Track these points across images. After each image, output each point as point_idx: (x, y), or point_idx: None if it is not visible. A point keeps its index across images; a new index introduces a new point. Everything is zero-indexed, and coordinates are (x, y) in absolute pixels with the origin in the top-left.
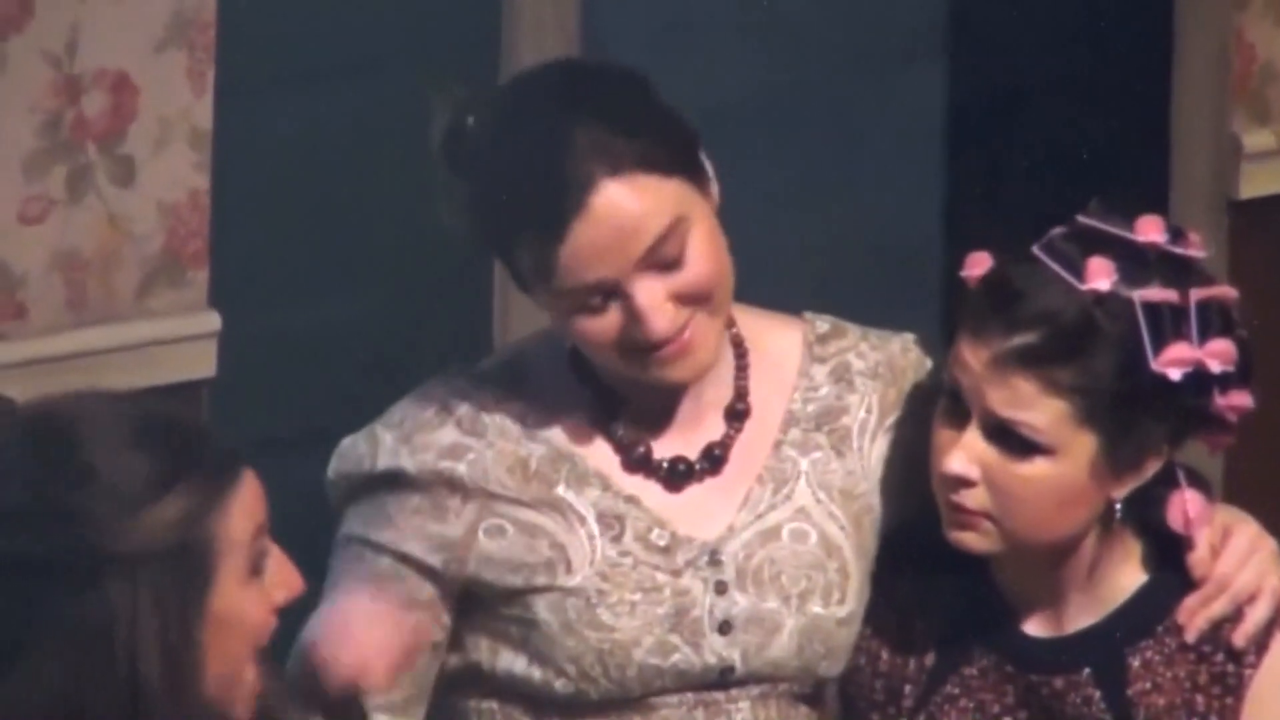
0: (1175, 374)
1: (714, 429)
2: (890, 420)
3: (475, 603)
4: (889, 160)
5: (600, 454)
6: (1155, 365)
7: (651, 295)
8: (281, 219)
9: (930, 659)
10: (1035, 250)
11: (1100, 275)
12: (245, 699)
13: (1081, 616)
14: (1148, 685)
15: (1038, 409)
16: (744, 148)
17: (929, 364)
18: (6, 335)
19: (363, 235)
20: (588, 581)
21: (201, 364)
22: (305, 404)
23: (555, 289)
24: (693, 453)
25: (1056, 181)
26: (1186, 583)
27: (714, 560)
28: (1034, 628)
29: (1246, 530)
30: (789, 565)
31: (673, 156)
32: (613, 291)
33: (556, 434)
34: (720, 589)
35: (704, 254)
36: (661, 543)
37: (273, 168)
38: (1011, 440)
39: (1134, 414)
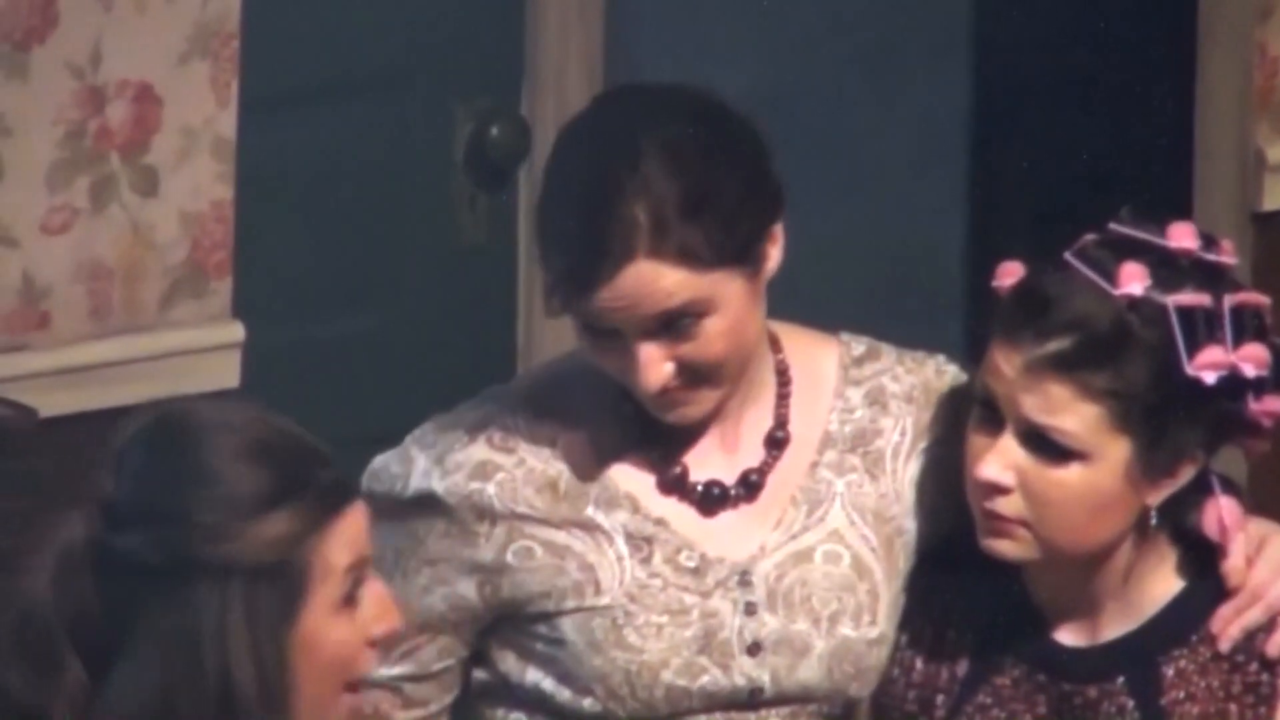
0: (1210, 378)
1: (752, 455)
2: (924, 444)
3: (504, 620)
4: (910, 166)
5: (632, 475)
6: (1190, 369)
7: (649, 355)
8: (305, 230)
9: (963, 668)
10: (1067, 257)
11: (1133, 280)
12: None
13: (1116, 625)
14: (1181, 695)
15: (1072, 414)
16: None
17: (963, 385)
18: (30, 345)
19: (386, 246)
20: (616, 602)
21: (225, 374)
22: (329, 414)
23: (575, 312)
24: (729, 477)
25: (1079, 195)
26: (1220, 592)
27: (744, 581)
28: (1068, 637)
29: None
30: (820, 587)
31: (725, 249)
32: (622, 335)
33: (589, 453)
34: (750, 610)
35: (719, 336)
36: (691, 564)
37: (296, 178)
38: (1046, 446)
39: (1168, 418)
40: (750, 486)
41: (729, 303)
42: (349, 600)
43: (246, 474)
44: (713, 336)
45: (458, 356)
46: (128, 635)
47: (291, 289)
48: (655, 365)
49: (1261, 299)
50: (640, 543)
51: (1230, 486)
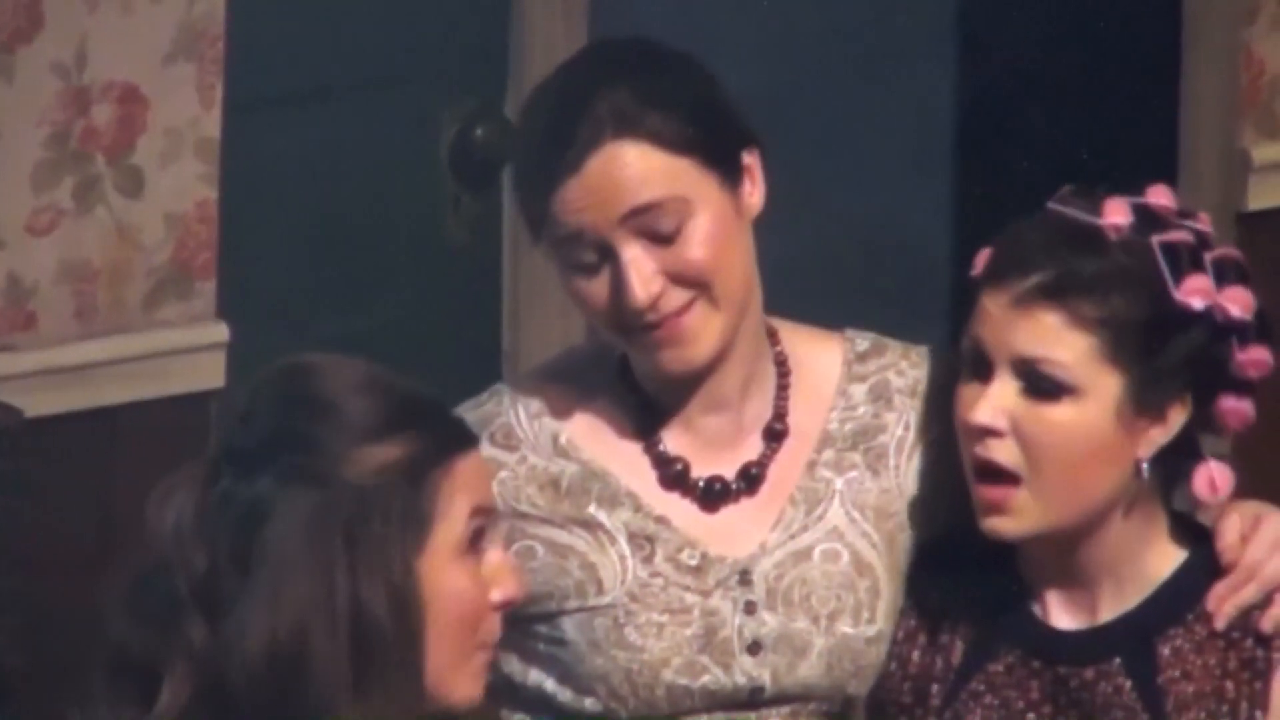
0: (1197, 303)
1: (752, 448)
2: (928, 438)
3: (507, 620)
4: (895, 163)
5: (634, 471)
6: (1177, 295)
7: (636, 259)
8: (290, 231)
9: (958, 658)
10: (1048, 205)
11: (1117, 213)
12: (464, 691)
13: (1112, 605)
14: (1177, 673)
15: (1064, 345)
16: None
17: None
18: (15, 346)
19: (371, 248)
20: (617, 601)
21: (210, 375)
22: None
23: (551, 236)
24: (730, 472)
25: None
26: (1216, 570)
27: (744, 580)
28: (1064, 620)
29: (1276, 519)
30: (820, 586)
31: (694, 139)
32: (604, 249)
33: (591, 450)
34: (749, 609)
35: (702, 239)
36: (692, 562)
37: (281, 180)
38: (1038, 385)
39: (1157, 350)
40: (751, 480)
41: (708, 205)
42: (473, 549)
43: (365, 403)
44: (695, 241)
45: (443, 357)
46: (255, 578)
47: (276, 290)
48: (643, 271)
49: (1239, 254)
50: (643, 541)
51: (1221, 459)
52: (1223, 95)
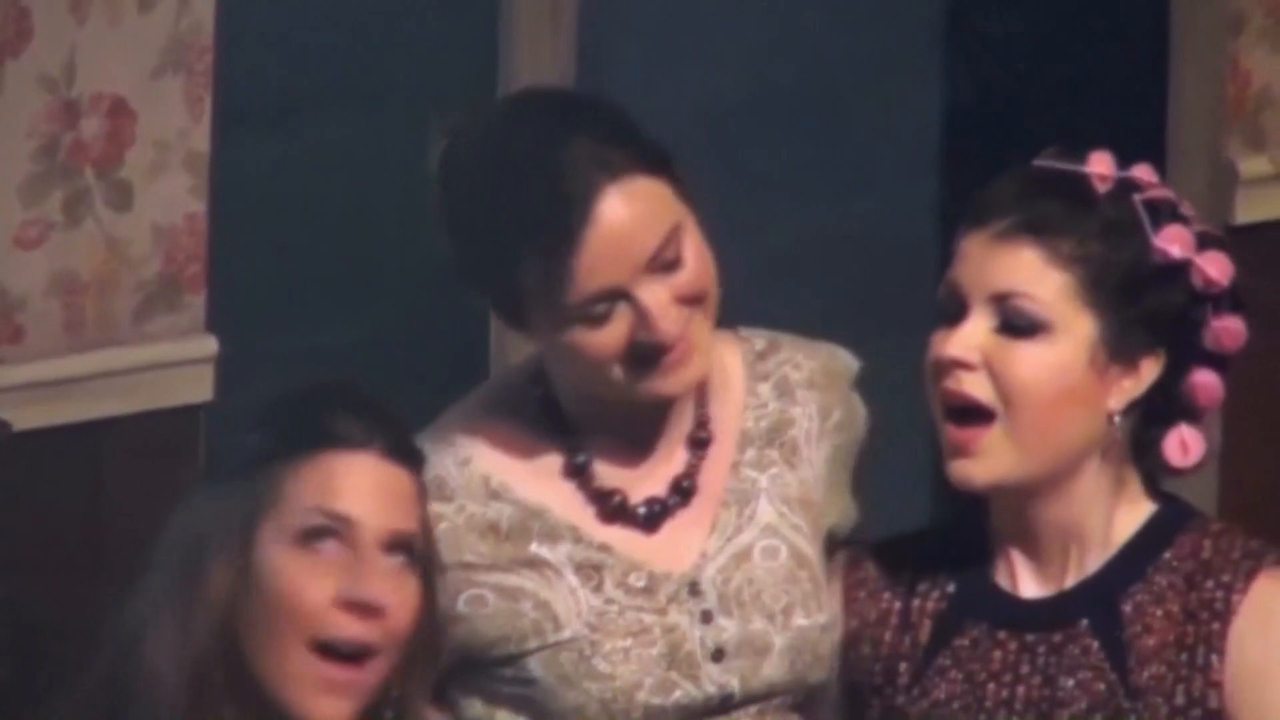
0: (1176, 251)
1: (678, 460)
2: (830, 423)
3: (463, 665)
4: (884, 167)
5: (570, 505)
6: (1155, 240)
7: (657, 298)
8: (278, 243)
9: (925, 636)
10: (1034, 161)
11: (1102, 164)
12: (297, 694)
13: (1077, 569)
14: (1139, 628)
15: (1041, 281)
16: (739, 153)
17: (855, 367)
18: (4, 358)
19: (360, 260)
20: (578, 634)
21: (198, 388)
22: None
23: (563, 303)
24: (663, 489)
25: None
26: (1178, 524)
27: (694, 591)
28: (1030, 589)
29: None
30: (766, 583)
31: (661, 161)
32: (619, 297)
33: (523, 489)
34: (706, 618)
35: (698, 255)
36: (640, 584)
37: (270, 192)
38: (1013, 321)
39: (1133, 295)
40: (684, 492)
41: (688, 218)
42: (303, 541)
43: (257, 404)
44: (695, 256)
45: (432, 368)
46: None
47: (265, 302)
48: (666, 308)
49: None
50: (590, 571)
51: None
52: (1209, 108)
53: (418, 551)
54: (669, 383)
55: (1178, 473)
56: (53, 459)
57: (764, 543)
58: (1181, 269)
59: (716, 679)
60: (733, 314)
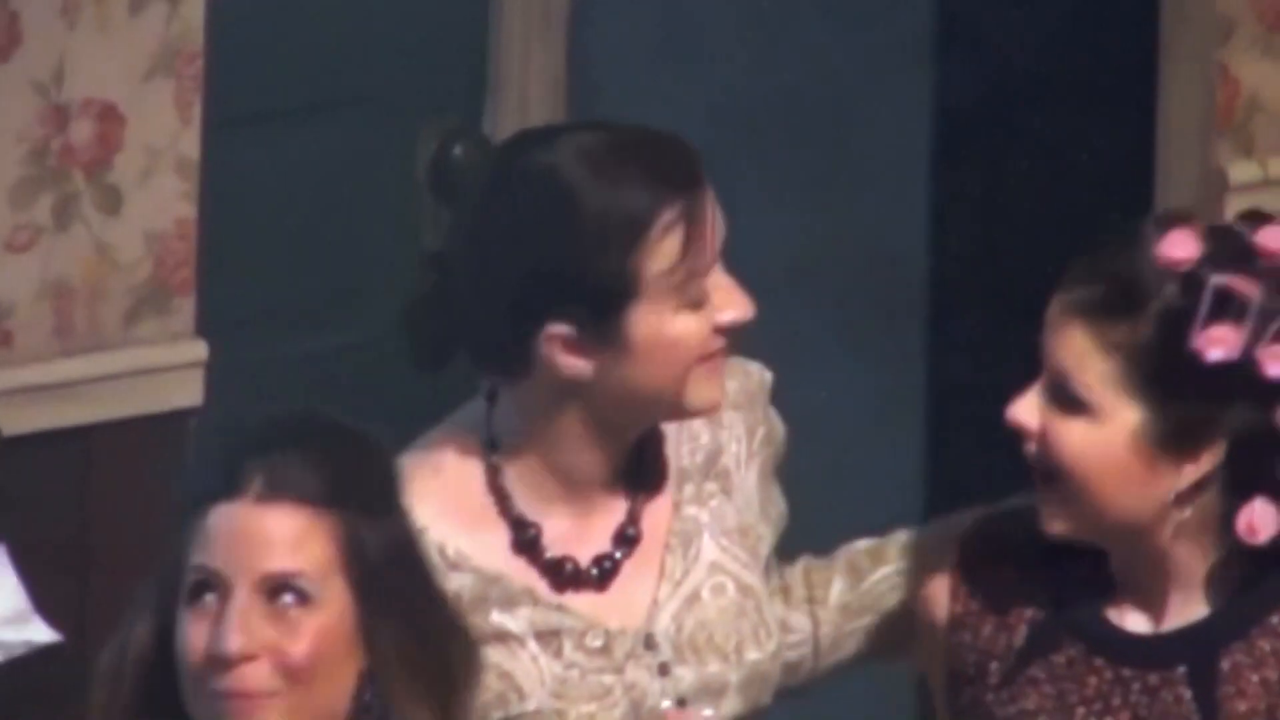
0: (1213, 354)
1: (619, 509)
2: (756, 442)
3: None
4: (877, 168)
5: (524, 570)
6: (1194, 340)
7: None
8: (268, 248)
9: (1021, 640)
10: (1147, 221)
11: (1178, 246)
12: None
13: (1179, 614)
14: (1233, 689)
15: (1088, 365)
16: (731, 154)
17: (768, 379)
18: None
19: (350, 265)
20: (543, 704)
21: (188, 393)
22: None
23: (696, 271)
24: (608, 542)
25: (1042, 199)
26: None
27: (650, 644)
28: (1132, 623)
29: None
30: (718, 624)
31: None
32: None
33: (479, 556)
34: (663, 670)
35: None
36: (598, 644)
37: (260, 197)
38: (1064, 396)
39: (1174, 391)
40: (629, 541)
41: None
42: (192, 600)
43: None
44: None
45: (420, 374)
46: None
47: (255, 307)
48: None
49: None
50: (549, 637)
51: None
52: (1199, 114)
53: (308, 589)
54: (718, 390)
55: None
56: (42, 463)
57: (711, 581)
58: (1241, 367)
59: None
60: None
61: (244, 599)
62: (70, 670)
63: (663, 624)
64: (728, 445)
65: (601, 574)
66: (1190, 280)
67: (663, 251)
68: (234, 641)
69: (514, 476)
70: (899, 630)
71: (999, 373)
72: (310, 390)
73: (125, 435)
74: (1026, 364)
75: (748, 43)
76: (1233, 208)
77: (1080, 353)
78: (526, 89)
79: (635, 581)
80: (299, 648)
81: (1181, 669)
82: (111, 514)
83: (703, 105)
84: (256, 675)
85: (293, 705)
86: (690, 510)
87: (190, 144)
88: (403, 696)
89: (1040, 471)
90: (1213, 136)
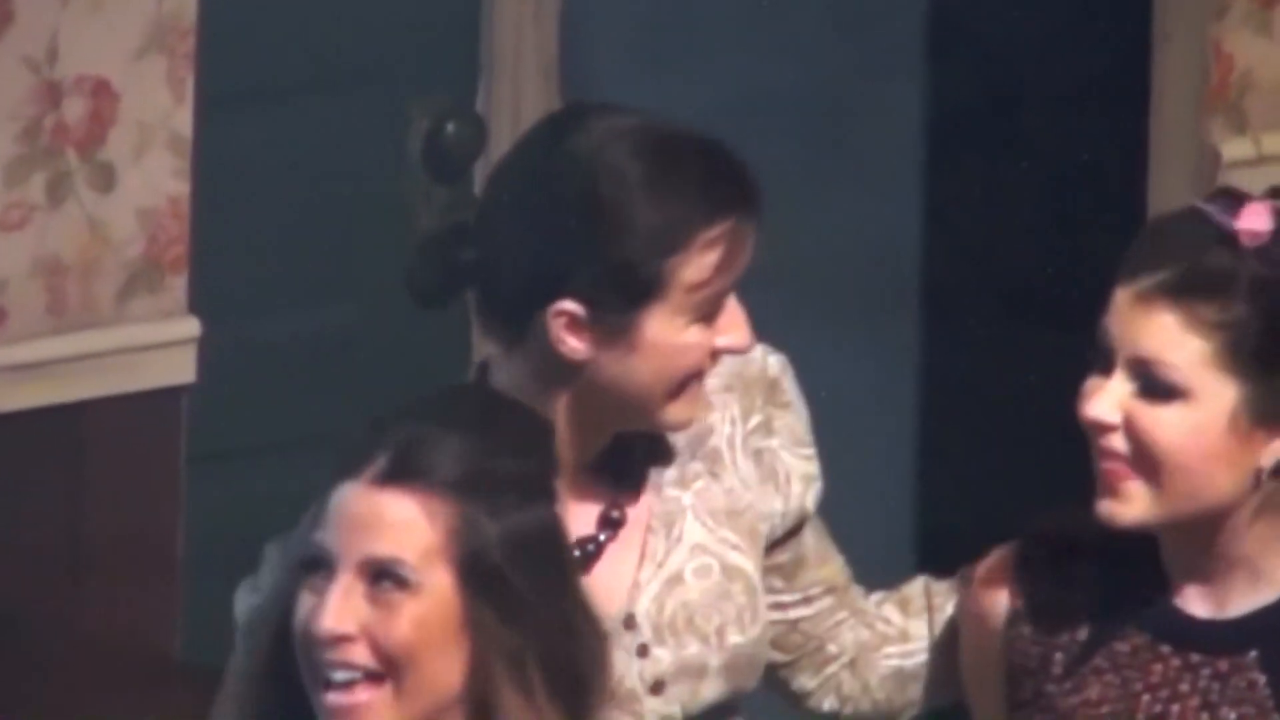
0: None
1: (603, 495)
2: (751, 425)
3: None
4: (869, 169)
5: None
6: None
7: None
8: (261, 225)
9: (1083, 631)
10: (1196, 202)
11: (1254, 218)
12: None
13: (1245, 599)
14: None
15: (1179, 347)
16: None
17: (773, 366)
18: None
19: (343, 242)
20: None
21: (181, 370)
22: (285, 411)
23: (719, 288)
24: (593, 526)
25: (1035, 192)
26: None
27: (630, 625)
28: (1197, 607)
29: None
30: (699, 605)
31: None
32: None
33: None
34: (642, 652)
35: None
36: None
37: (253, 174)
38: (1152, 383)
39: (1275, 362)
40: (614, 524)
41: None
42: (304, 573)
43: None
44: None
45: (413, 352)
46: None
47: (248, 284)
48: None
49: None
50: None
51: None
52: (1192, 93)
53: (407, 576)
54: (695, 409)
55: None
56: (34, 441)
57: (695, 563)
58: None
59: (658, 709)
60: None
61: (347, 580)
62: (66, 639)
63: (644, 605)
64: (719, 426)
65: (584, 556)
66: (1268, 252)
67: (700, 264)
68: (329, 619)
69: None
70: None
71: (994, 370)
72: (302, 368)
73: (118, 412)
74: (1022, 361)
75: (741, 41)
76: (1226, 184)
77: (1170, 337)
78: (519, 68)
79: (618, 564)
80: (395, 632)
81: (1253, 653)
82: (104, 491)
83: (694, 90)
84: (354, 655)
85: (397, 690)
86: (672, 492)
87: (183, 121)
88: (506, 695)
89: (1117, 463)
90: (1206, 114)
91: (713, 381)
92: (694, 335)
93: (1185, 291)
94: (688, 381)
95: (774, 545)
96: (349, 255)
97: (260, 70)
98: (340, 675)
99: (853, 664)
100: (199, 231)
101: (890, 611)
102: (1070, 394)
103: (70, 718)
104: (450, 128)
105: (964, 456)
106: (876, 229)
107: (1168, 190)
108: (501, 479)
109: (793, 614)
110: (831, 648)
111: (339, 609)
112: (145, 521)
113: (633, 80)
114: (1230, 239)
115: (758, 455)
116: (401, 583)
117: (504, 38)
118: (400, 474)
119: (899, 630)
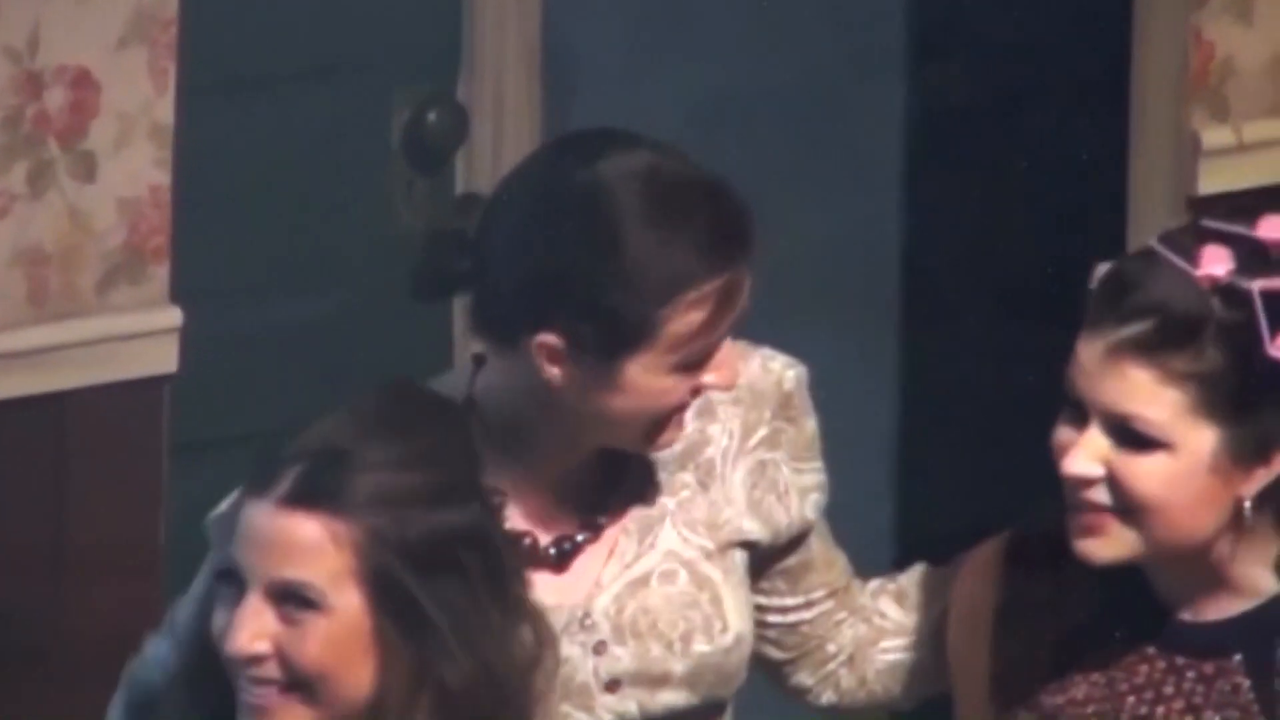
0: None
1: (587, 500)
2: (752, 441)
3: None
4: (856, 166)
5: None
6: (1271, 349)
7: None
8: (243, 215)
9: (1069, 630)
10: (1152, 244)
11: (1215, 261)
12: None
13: (1229, 604)
14: None
15: (1154, 401)
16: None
17: (790, 379)
18: None
19: (324, 232)
20: None
21: (163, 360)
22: (267, 401)
23: (708, 342)
24: (574, 525)
25: (1022, 188)
26: None
27: (585, 622)
28: (1182, 611)
29: None
30: (663, 610)
31: None
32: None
33: None
34: (599, 649)
35: None
36: None
37: (234, 164)
38: (1130, 436)
39: (1252, 404)
40: (596, 527)
41: None
42: (220, 586)
43: None
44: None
45: (395, 341)
46: None
47: (230, 274)
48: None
49: None
50: None
51: None
52: (1173, 80)
53: (315, 599)
54: (676, 433)
55: None
56: (15, 431)
57: (663, 568)
58: None
59: (613, 708)
60: None
61: (256, 601)
62: (48, 630)
63: (602, 604)
64: (718, 438)
65: (560, 555)
66: (1231, 293)
67: (689, 317)
68: (241, 639)
69: (487, 442)
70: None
71: (981, 366)
72: (285, 358)
73: (99, 402)
74: (1009, 358)
75: (721, 41)
76: (1206, 172)
77: (1145, 393)
78: (502, 58)
79: (590, 561)
80: (306, 652)
81: (1238, 657)
82: (85, 481)
83: (674, 83)
84: (267, 670)
85: (311, 700)
86: (657, 497)
87: (165, 111)
88: (411, 706)
89: (1098, 512)
90: (1186, 101)
91: (721, 392)
92: (674, 381)
93: (1156, 346)
94: (670, 416)
95: (778, 553)
96: (331, 245)
97: (241, 60)
98: (257, 687)
99: (850, 660)
100: (181, 221)
101: (887, 605)
102: (1058, 391)
103: (52, 707)
104: (431, 117)
105: (951, 454)
106: (864, 226)
107: (1149, 177)
108: (411, 491)
109: (794, 617)
110: (831, 646)
111: (250, 629)
112: (127, 511)
113: (616, 71)
114: (1190, 284)
115: (760, 466)
116: (310, 604)
117: (486, 27)
118: (306, 496)
119: (895, 624)
